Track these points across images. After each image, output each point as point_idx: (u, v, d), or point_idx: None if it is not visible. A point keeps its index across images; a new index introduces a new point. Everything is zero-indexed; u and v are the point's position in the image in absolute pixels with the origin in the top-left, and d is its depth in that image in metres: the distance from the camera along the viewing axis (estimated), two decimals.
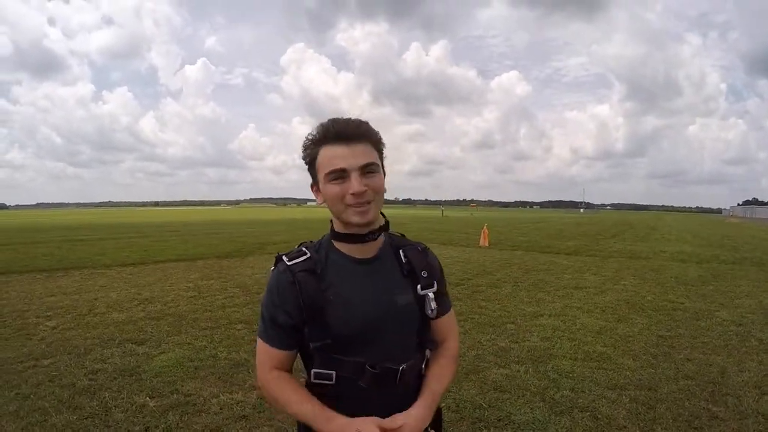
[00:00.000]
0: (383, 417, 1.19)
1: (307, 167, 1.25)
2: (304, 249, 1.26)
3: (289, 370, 1.30)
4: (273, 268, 1.27)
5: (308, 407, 1.19)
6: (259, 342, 1.28)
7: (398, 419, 1.18)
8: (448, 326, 1.40)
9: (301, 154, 1.24)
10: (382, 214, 1.30)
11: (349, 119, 1.20)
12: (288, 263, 1.23)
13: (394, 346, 1.25)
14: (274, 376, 1.26)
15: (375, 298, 1.24)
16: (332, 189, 1.18)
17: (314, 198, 1.26)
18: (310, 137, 1.21)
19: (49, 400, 3.72)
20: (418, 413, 1.22)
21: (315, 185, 1.26)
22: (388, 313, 1.23)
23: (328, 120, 1.20)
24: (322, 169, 1.19)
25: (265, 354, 1.27)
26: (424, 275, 1.30)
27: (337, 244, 1.28)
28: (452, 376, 1.38)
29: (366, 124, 1.21)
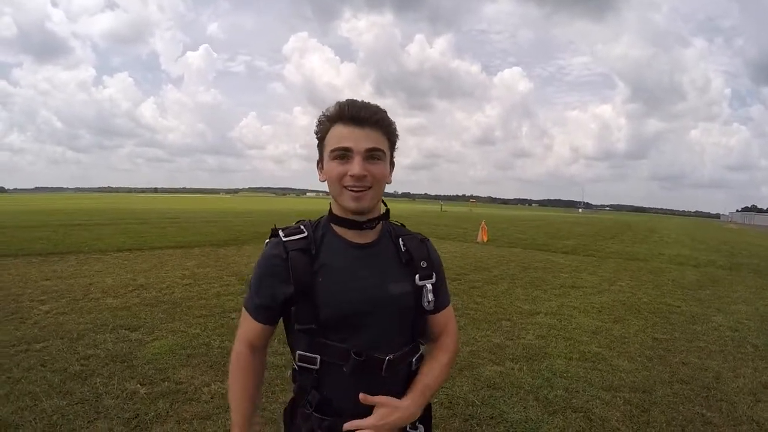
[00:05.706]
0: (366, 405, 1.18)
1: (317, 143, 1.24)
2: (301, 227, 1.24)
3: (264, 345, 1.32)
4: (268, 240, 1.26)
5: (237, 417, 1.26)
6: (243, 309, 1.30)
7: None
8: (444, 321, 1.35)
9: (314, 129, 1.23)
10: (383, 202, 1.28)
11: (368, 103, 1.18)
12: (284, 239, 1.21)
13: (383, 335, 1.21)
14: (237, 354, 1.29)
15: (367, 284, 1.20)
16: (333, 168, 1.17)
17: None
18: (325, 113, 1.20)
19: (40, 385, 3.69)
20: (404, 405, 1.19)
21: (320, 162, 1.25)
22: (379, 301, 1.20)
23: (347, 100, 1.19)
24: (329, 146, 1.18)
25: (245, 321, 1.29)
26: (423, 266, 1.26)
27: (335, 227, 1.25)
28: (447, 371, 1.33)
29: (383, 111, 1.19)
